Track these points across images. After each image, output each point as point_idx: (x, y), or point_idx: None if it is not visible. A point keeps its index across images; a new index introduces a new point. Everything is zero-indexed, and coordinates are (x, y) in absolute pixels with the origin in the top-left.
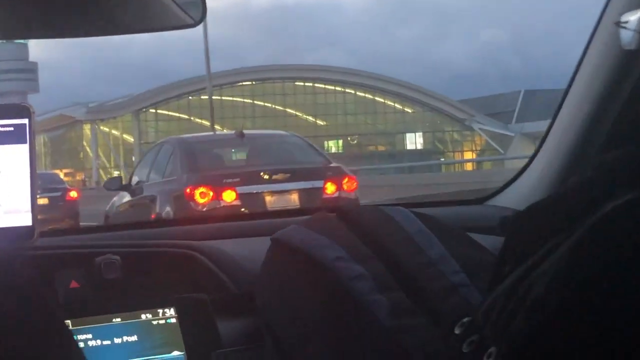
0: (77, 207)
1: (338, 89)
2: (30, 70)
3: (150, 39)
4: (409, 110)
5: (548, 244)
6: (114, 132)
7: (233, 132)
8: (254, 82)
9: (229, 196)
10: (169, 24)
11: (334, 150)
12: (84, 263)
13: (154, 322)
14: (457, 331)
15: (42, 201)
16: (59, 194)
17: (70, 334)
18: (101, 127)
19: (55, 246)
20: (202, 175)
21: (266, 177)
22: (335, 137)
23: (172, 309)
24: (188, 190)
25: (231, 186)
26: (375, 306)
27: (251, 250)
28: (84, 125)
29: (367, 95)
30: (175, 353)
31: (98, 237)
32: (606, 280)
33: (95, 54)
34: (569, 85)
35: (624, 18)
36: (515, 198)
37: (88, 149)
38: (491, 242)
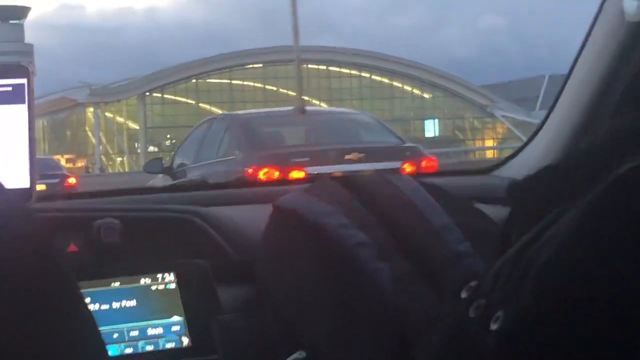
0: None
1: (353, 72)
2: (26, 53)
3: (144, 23)
4: (427, 96)
5: (558, 208)
6: (117, 117)
7: (291, 108)
8: (263, 65)
9: (297, 177)
10: None
11: None
12: (82, 226)
13: (153, 287)
14: (463, 295)
15: (39, 187)
16: (56, 180)
17: (78, 289)
18: (105, 111)
19: (53, 209)
20: (265, 154)
21: (338, 156)
22: None
23: (171, 274)
24: (250, 170)
25: (299, 166)
26: (378, 274)
27: (253, 217)
28: (87, 108)
29: (383, 79)
30: (175, 318)
31: (98, 202)
32: (619, 243)
33: (88, 39)
34: (578, 54)
35: None
36: (521, 168)
37: (90, 133)
38: (496, 212)
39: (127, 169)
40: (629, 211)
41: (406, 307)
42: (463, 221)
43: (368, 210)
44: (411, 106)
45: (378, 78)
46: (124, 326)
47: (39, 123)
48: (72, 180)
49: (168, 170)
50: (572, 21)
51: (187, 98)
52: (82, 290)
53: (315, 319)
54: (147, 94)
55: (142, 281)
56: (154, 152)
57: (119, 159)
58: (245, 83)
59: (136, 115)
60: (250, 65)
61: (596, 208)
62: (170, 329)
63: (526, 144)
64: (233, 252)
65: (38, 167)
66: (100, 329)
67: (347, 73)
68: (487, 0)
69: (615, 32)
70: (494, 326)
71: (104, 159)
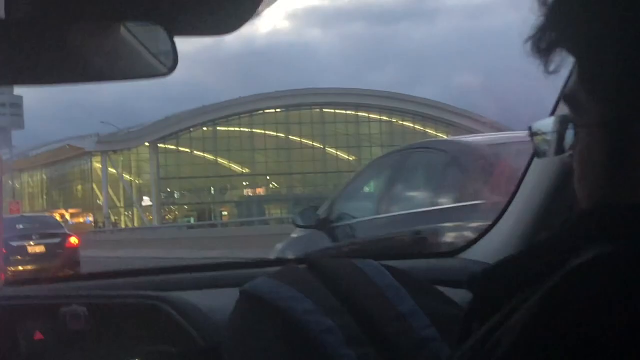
0: (78, 255)
1: (384, 118)
2: (15, 105)
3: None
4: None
5: (516, 299)
6: (127, 165)
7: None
8: (279, 110)
9: None
10: (142, 73)
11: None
12: (49, 314)
13: None
14: None
15: (38, 249)
16: (57, 240)
17: None
18: (114, 161)
19: (20, 296)
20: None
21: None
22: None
23: None
24: None
25: None
26: None
27: (219, 302)
28: (94, 157)
29: (416, 126)
30: None
31: (64, 288)
32: (574, 336)
33: (65, 97)
34: (531, 158)
35: (535, 128)
36: (486, 251)
37: (95, 185)
38: (462, 296)
39: (136, 224)
40: (581, 306)
41: None
42: (429, 306)
43: (335, 296)
44: None
45: (401, 122)
46: None
47: (38, 176)
48: (73, 241)
49: (324, 224)
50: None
51: (204, 146)
52: None
53: None
54: (161, 141)
55: None
56: (168, 204)
57: (126, 213)
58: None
59: (148, 164)
60: (272, 110)
61: (550, 303)
62: None
63: (490, 228)
64: (199, 338)
65: (36, 226)
66: None
67: (377, 118)
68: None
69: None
70: None
71: (110, 212)
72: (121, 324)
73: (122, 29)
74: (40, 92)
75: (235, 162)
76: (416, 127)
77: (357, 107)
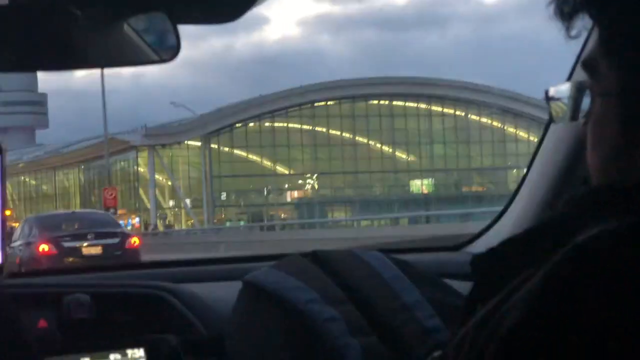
0: (139, 257)
1: (421, 106)
2: (38, 103)
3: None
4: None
5: (519, 277)
6: (176, 161)
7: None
8: (328, 103)
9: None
10: (144, 60)
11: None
12: (52, 303)
13: None
14: None
15: (94, 250)
16: (116, 240)
17: None
18: (162, 156)
19: (24, 285)
20: None
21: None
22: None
23: (141, 350)
24: None
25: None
26: (348, 350)
27: (223, 293)
28: (140, 152)
29: (493, 122)
30: None
31: (69, 278)
32: (578, 313)
33: (75, 103)
34: (545, 129)
35: (552, 92)
36: (491, 245)
37: (140, 183)
38: (467, 288)
39: (183, 226)
40: (584, 279)
41: None
42: (433, 297)
43: (338, 286)
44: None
45: (477, 118)
46: None
47: (74, 174)
48: (134, 241)
49: None
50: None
51: (260, 140)
52: None
53: None
54: (213, 135)
55: (112, 357)
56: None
57: (173, 214)
58: (292, 125)
59: (198, 160)
60: (307, 106)
61: (555, 278)
62: None
63: (494, 221)
64: (203, 327)
65: (90, 224)
66: None
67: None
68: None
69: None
70: None
71: (161, 213)
72: (125, 313)
73: (125, 15)
74: (50, 99)
75: (295, 160)
76: (494, 123)
77: (429, 99)
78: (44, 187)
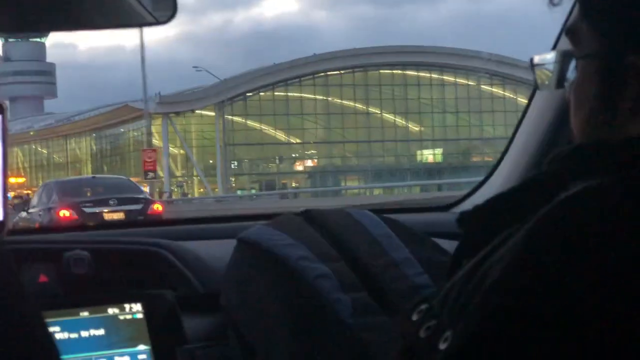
0: None
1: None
2: (47, 73)
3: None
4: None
5: (503, 233)
6: (189, 129)
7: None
8: (341, 72)
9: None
10: (137, 21)
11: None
12: (52, 258)
13: (121, 317)
14: (414, 317)
15: (116, 216)
16: (139, 207)
17: (43, 321)
18: (175, 124)
19: (25, 241)
20: None
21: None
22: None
23: (138, 304)
24: None
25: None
26: (339, 305)
27: (219, 251)
28: (153, 120)
29: (506, 92)
30: (141, 347)
31: (68, 235)
32: (561, 264)
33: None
34: (532, 95)
35: (537, 60)
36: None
37: (161, 148)
38: (454, 246)
39: (195, 194)
40: (567, 234)
41: (366, 339)
42: (422, 255)
43: (330, 243)
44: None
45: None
46: (92, 354)
47: (85, 142)
48: (157, 207)
49: None
50: None
51: (274, 109)
52: (52, 320)
53: (278, 347)
54: (227, 103)
55: (110, 311)
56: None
57: (186, 183)
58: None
59: (213, 128)
60: (317, 75)
61: (537, 233)
62: (136, 358)
63: (483, 182)
64: (199, 284)
65: (113, 190)
66: (69, 357)
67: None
68: None
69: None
70: (442, 346)
71: (174, 181)
72: (123, 268)
73: None
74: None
75: (309, 128)
76: (506, 93)
77: (441, 69)
78: (55, 155)
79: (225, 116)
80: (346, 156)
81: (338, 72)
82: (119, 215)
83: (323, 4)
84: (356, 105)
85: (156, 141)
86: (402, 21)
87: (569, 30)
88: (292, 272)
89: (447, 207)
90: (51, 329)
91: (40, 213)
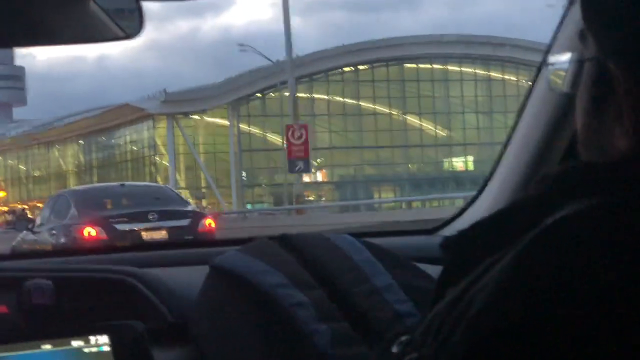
0: None
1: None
2: (15, 77)
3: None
4: None
5: (489, 259)
6: (198, 133)
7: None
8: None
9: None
10: (107, 36)
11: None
12: (13, 287)
13: (86, 350)
14: (394, 350)
15: (157, 235)
16: (185, 222)
17: None
18: (183, 126)
19: None
20: None
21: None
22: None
23: (105, 336)
24: None
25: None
26: (317, 335)
27: (189, 278)
28: (157, 122)
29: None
30: None
31: (29, 262)
32: (547, 293)
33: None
34: (519, 114)
35: (552, 59)
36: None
37: (165, 155)
38: (440, 272)
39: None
40: (554, 263)
41: None
42: (406, 281)
43: (307, 270)
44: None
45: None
46: None
47: (71, 147)
48: (209, 223)
49: None
50: None
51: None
52: (11, 354)
53: None
54: (243, 101)
55: (74, 344)
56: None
57: (202, 192)
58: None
59: (225, 131)
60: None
61: (523, 260)
62: None
63: (469, 204)
64: (169, 313)
65: (147, 200)
66: None
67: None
68: None
69: (550, 99)
70: None
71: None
72: (88, 298)
73: None
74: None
75: (338, 130)
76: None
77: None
78: (36, 166)
79: (241, 116)
80: (372, 164)
81: (367, 66)
82: (160, 234)
83: (296, 10)
84: (391, 106)
85: (160, 144)
86: (382, 28)
87: (580, 32)
88: (267, 300)
89: (432, 230)
90: None
91: (54, 232)
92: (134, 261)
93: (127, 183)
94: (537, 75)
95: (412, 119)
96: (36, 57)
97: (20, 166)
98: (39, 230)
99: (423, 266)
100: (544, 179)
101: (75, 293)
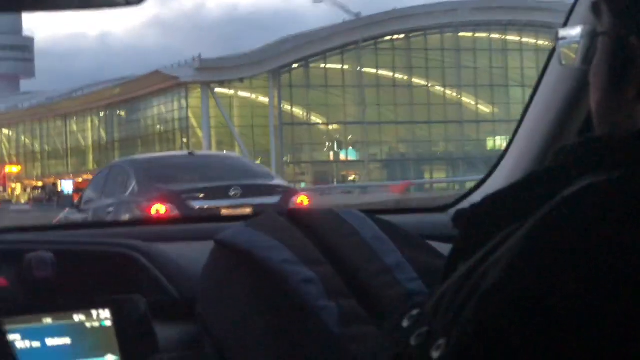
0: None
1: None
2: (23, 48)
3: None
4: None
5: (503, 233)
6: (237, 102)
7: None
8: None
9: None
10: (110, 2)
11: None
12: (13, 260)
13: (88, 324)
14: (405, 324)
15: (241, 213)
16: (274, 199)
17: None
18: (219, 96)
19: None
20: None
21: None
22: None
23: (107, 311)
24: None
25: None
26: (325, 312)
27: (194, 253)
28: (191, 91)
29: None
30: (109, 357)
31: (31, 235)
32: (563, 266)
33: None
34: (535, 89)
35: (562, 33)
36: None
37: (197, 128)
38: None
39: None
40: (569, 235)
41: (354, 350)
42: (417, 259)
43: (316, 246)
44: None
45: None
46: None
47: (91, 120)
48: (303, 200)
49: None
50: None
51: (343, 79)
52: (12, 327)
53: (258, 357)
54: (285, 70)
55: (76, 317)
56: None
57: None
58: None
59: (266, 102)
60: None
61: (538, 233)
62: None
63: (484, 180)
64: (173, 289)
65: (227, 175)
66: None
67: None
68: None
69: (566, 73)
70: (435, 354)
71: None
72: (91, 272)
73: None
74: None
75: (385, 104)
76: None
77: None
78: (51, 141)
79: (283, 87)
80: (431, 140)
81: (421, 32)
82: (244, 212)
83: None
84: (445, 62)
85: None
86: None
87: (594, 5)
88: (273, 276)
89: (444, 208)
90: (10, 337)
91: (110, 210)
92: (138, 235)
93: (196, 152)
94: (553, 50)
95: (467, 98)
96: (37, 34)
97: (34, 140)
98: (87, 208)
99: (435, 244)
100: (561, 151)
101: (78, 266)
